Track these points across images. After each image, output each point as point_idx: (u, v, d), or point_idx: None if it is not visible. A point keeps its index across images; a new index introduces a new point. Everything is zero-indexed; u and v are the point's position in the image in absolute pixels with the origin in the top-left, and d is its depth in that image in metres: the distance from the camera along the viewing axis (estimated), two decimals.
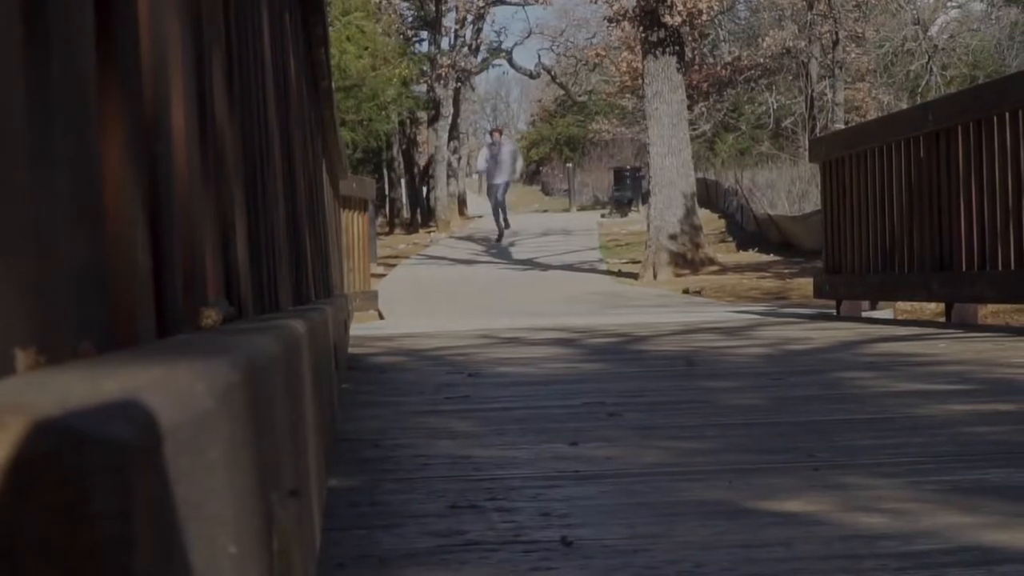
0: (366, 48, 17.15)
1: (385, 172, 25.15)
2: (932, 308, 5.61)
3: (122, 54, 0.58)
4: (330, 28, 4.03)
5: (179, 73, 0.76)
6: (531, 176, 38.09)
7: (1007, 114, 4.01)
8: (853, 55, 20.36)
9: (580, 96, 30.11)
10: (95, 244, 0.52)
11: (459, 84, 24.31)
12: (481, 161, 17.78)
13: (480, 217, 24.02)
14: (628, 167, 24.71)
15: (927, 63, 19.98)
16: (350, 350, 3.93)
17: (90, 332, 0.50)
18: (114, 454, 0.27)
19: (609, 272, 14.00)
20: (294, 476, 0.72)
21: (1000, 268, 4.09)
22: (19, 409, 0.27)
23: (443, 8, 23.02)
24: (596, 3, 15.63)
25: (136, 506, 0.28)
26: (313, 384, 1.11)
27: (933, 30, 20.56)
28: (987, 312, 5.36)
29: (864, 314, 5.45)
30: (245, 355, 0.51)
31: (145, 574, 0.28)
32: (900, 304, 5.73)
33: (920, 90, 19.68)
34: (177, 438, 0.32)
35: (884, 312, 5.49)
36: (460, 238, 20.31)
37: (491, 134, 18.69)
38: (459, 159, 27.26)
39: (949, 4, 19.92)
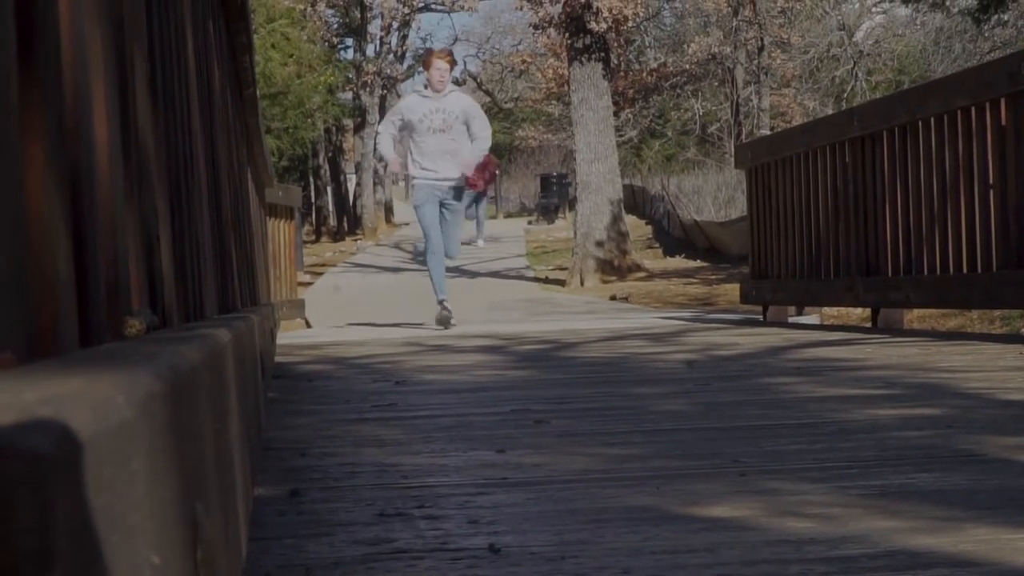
0: (291, 55, 17.21)
1: (311, 180, 25.32)
2: (858, 313, 5.62)
3: (43, 61, 0.58)
4: (255, 35, 4.08)
5: (101, 81, 0.77)
6: None
7: (932, 119, 4.10)
8: (778, 61, 20.90)
9: (506, 103, 30.41)
10: (15, 253, 0.52)
11: (385, 91, 24.32)
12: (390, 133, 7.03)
13: (407, 224, 23.69)
14: (555, 174, 25.09)
15: (852, 69, 20.54)
16: (277, 358, 3.93)
17: (10, 342, 0.50)
18: (33, 467, 0.27)
19: (536, 279, 14.15)
20: (218, 486, 0.73)
21: (926, 273, 4.20)
22: None
23: (368, 15, 23.24)
24: (522, 10, 15.69)
25: (56, 519, 0.28)
26: (238, 393, 1.11)
27: (858, 36, 21.09)
28: (913, 317, 5.42)
29: (791, 319, 5.56)
30: (167, 364, 0.52)
31: None
32: (826, 309, 5.82)
33: (845, 96, 20.13)
34: (98, 449, 0.32)
35: (811, 317, 5.64)
36: (387, 246, 20.39)
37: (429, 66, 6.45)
38: (385, 166, 27.14)
39: (874, 9, 20.41)
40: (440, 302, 6.06)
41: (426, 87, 6.09)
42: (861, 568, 1.03)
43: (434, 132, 6.00)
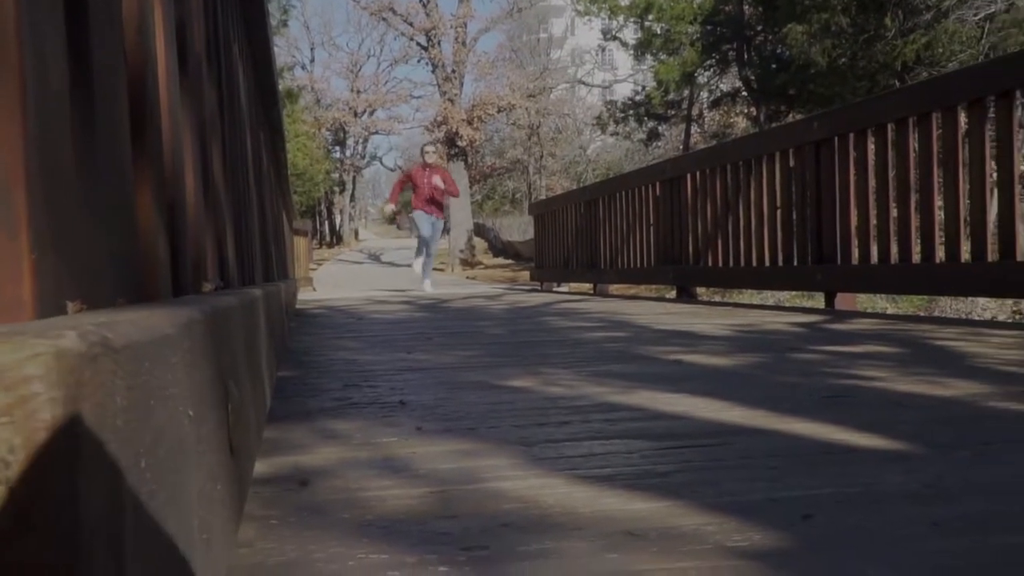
0: (307, 155, 33.74)
1: (316, 217, 46.09)
2: (587, 287, 9.61)
3: (150, 145, 0.95)
4: (287, 143, 7.30)
5: (190, 154, 1.22)
6: (391, 219, 71.17)
7: (624, 192, 7.81)
8: (550, 162, 39.21)
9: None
10: (129, 244, 0.84)
11: (355, 173, 48.95)
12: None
13: (365, 240, 50.34)
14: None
15: (586, 166, 39.18)
16: (298, 307, 6.78)
17: (125, 294, 0.77)
18: (63, 357, 0.42)
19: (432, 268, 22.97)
20: (247, 371, 1.18)
21: (619, 267, 7.92)
22: (60, 324, 0.47)
23: (346, 136, 45.34)
24: (424, 134, 30.48)
25: (85, 390, 0.43)
26: (267, 322, 1.91)
27: (590, 150, 40.63)
28: (615, 289, 9.35)
29: (555, 289, 10.18)
30: (210, 304, 0.83)
31: (124, 425, 0.47)
32: (573, 284, 10.33)
33: (582, 180, 35.55)
34: (134, 350, 0.51)
35: (563, 288, 10.24)
36: (356, 252, 37.13)
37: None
38: (355, 211, 56.49)
39: (597, 137, 37.91)
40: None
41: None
42: (584, 411, 1.75)
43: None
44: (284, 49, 38.61)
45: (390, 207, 12.11)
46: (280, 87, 4.83)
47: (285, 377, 2.44)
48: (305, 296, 9.82)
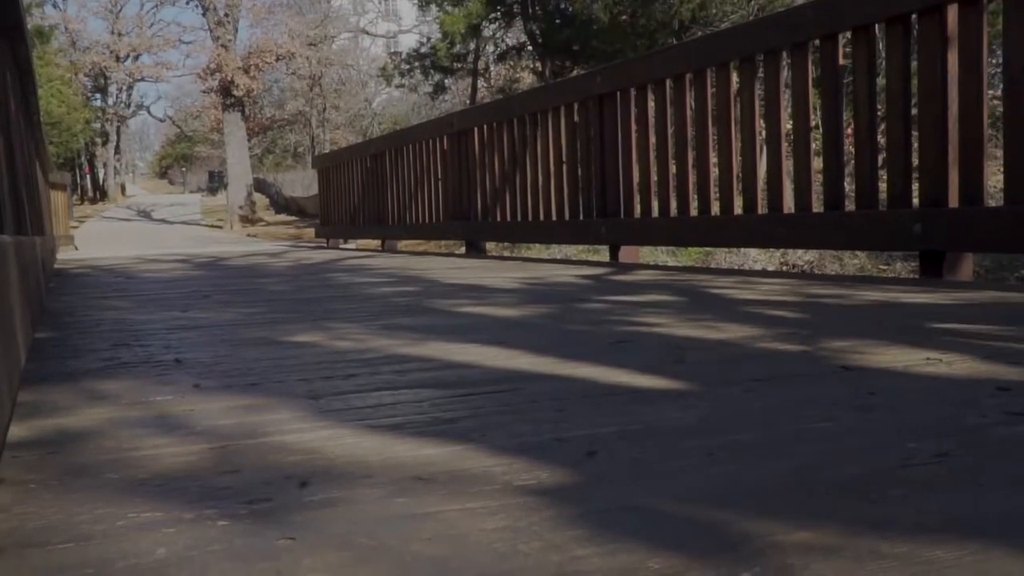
0: (63, 102, 32.40)
1: (77, 170, 44.25)
2: (375, 244, 9.53)
3: None
4: (40, 89, 6.92)
5: None
6: (162, 174, 72.11)
7: (411, 145, 7.76)
8: (334, 115, 38.85)
9: (188, 132, 53.70)
10: None
11: (119, 123, 48.60)
12: None
13: (134, 196, 49.66)
14: (216, 170, 48.14)
15: (371, 120, 39.04)
16: (57, 266, 6.59)
17: None
18: None
19: (208, 226, 26.28)
20: None
21: (408, 223, 7.95)
22: None
23: (108, 82, 44.41)
24: (197, 82, 31.41)
25: None
26: (19, 279, 1.79)
27: (375, 103, 40.64)
28: (404, 245, 9.26)
29: (342, 246, 10.13)
30: None
31: None
32: (360, 241, 10.37)
33: (368, 134, 34.40)
34: None
35: (351, 245, 10.31)
36: (122, 208, 37.25)
37: None
38: (121, 164, 54.48)
39: (383, 90, 38.60)
40: None
41: None
42: (374, 363, 1.75)
43: None
44: None
45: None
46: (28, 25, 4.51)
47: (44, 339, 2.31)
48: (66, 256, 9.41)
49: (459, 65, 24.43)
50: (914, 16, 3.27)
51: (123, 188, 52.40)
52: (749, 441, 1.07)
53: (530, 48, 22.10)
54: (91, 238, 17.56)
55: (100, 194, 48.03)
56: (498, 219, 6.34)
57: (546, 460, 1.00)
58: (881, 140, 3.62)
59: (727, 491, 0.88)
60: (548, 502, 0.86)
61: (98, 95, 45.22)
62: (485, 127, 6.49)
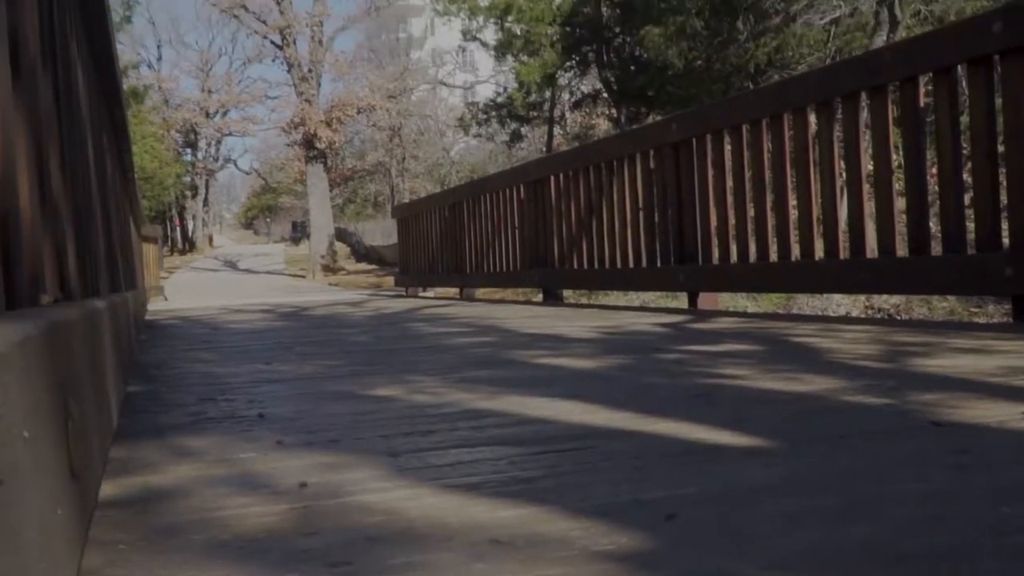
0: (156, 157, 33.77)
1: (167, 222, 45.99)
2: (453, 292, 9.62)
3: None
4: (134, 145, 7.83)
5: (24, 159, 1.15)
6: (248, 224, 76.22)
7: (489, 194, 7.87)
8: (413, 164, 39.90)
9: (273, 184, 56.45)
10: None
11: (208, 177, 49.83)
12: None
13: (221, 247, 51.07)
14: (299, 220, 48.32)
15: (449, 168, 39.19)
16: (148, 317, 6.85)
17: None
18: None
19: (291, 275, 26.51)
20: (91, 387, 1.16)
21: (485, 271, 7.98)
22: None
23: (197, 137, 46.05)
24: (281, 135, 32.34)
25: None
26: (112, 334, 1.87)
27: (453, 152, 40.79)
28: (481, 293, 9.35)
29: (420, 294, 10.09)
30: (47, 319, 0.83)
31: None
32: (438, 289, 10.21)
33: (445, 183, 35.84)
34: None
35: (429, 293, 10.22)
36: (210, 259, 37.17)
37: None
38: (209, 216, 56.49)
39: (460, 139, 38.34)
40: None
41: None
42: (452, 418, 1.75)
43: None
44: (128, 46, 37.44)
45: None
46: (124, 86, 4.76)
47: (135, 392, 2.39)
48: (156, 307, 9.78)
49: (535, 114, 24.69)
50: (996, 56, 3.21)
51: (211, 239, 54.65)
52: (833, 504, 1.04)
53: (605, 95, 22.23)
54: (180, 288, 18.06)
55: (189, 245, 49.90)
56: (575, 266, 6.35)
57: (624, 523, 0.99)
58: (967, 179, 3.54)
59: (810, 558, 0.85)
60: (627, 569, 0.85)
61: (188, 150, 47.15)
62: (561, 175, 6.52)
